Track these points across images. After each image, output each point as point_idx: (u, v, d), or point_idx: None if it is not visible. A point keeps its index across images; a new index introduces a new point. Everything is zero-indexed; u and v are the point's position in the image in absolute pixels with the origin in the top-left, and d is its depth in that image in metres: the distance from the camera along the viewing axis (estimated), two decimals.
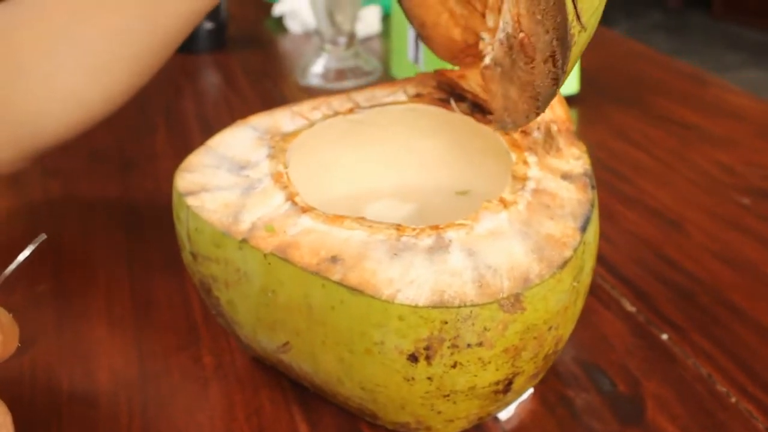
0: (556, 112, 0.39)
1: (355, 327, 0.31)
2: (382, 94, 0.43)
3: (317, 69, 0.80)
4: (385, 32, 0.94)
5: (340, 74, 0.80)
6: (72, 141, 0.51)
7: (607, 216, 0.53)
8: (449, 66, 0.42)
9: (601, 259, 0.48)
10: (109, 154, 0.65)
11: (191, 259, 0.36)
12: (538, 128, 0.38)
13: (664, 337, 0.42)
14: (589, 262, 0.34)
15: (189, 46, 0.87)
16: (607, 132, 0.66)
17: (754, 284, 0.46)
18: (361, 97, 0.43)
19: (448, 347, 0.30)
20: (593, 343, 0.42)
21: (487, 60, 0.37)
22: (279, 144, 0.39)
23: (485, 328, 0.30)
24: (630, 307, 0.44)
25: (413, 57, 0.73)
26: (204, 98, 0.76)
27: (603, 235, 0.50)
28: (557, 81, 0.32)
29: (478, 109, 0.40)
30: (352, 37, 0.80)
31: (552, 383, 0.39)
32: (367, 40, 0.93)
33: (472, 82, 0.39)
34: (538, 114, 0.34)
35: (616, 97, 0.74)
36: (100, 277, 0.48)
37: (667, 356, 0.41)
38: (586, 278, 0.34)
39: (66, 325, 0.44)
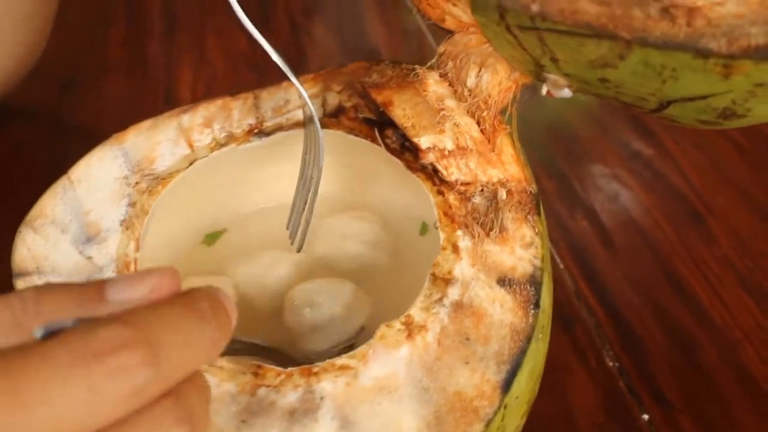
0: (509, 170, 0.28)
1: None
2: (295, 99, 0.32)
3: None
4: None
5: None
6: None
7: (611, 197, 0.43)
8: None
9: (592, 276, 0.39)
10: (54, 64, 0.56)
11: None
12: (482, 191, 0.28)
13: (645, 418, 0.34)
14: (513, 425, 0.25)
15: None
16: None
17: None
18: (268, 104, 0.32)
19: None
20: (554, 424, 0.34)
21: None
22: (141, 200, 0.29)
23: None
24: (611, 362, 0.36)
25: None
26: None
27: (605, 235, 0.40)
28: None
29: (409, 145, 0.30)
30: None
31: None
32: None
33: (399, 112, 0.29)
34: None
35: None
36: None
37: None
38: None
39: None
